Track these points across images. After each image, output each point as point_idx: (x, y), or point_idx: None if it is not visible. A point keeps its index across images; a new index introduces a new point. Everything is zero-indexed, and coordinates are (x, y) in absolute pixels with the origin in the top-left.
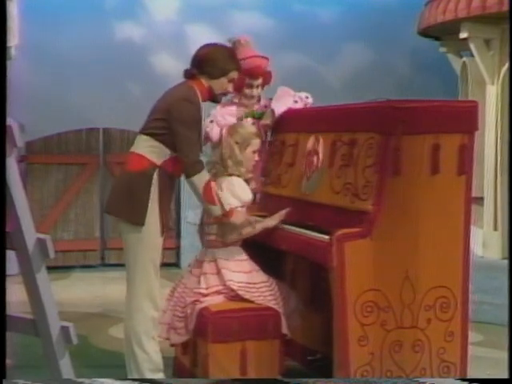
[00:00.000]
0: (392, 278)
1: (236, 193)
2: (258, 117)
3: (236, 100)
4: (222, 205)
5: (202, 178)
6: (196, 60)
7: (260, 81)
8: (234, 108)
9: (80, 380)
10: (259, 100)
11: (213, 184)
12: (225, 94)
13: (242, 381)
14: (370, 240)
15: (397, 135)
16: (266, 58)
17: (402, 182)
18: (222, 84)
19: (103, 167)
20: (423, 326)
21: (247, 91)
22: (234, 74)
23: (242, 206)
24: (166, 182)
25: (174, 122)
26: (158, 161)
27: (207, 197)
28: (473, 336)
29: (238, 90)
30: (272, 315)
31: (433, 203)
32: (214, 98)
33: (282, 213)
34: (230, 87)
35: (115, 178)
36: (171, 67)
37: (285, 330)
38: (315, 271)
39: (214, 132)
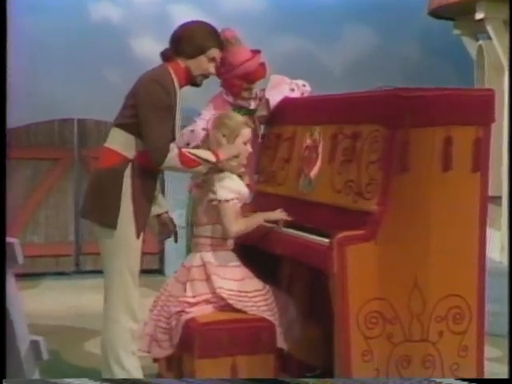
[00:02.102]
0: (399, 286)
1: (230, 187)
2: (252, 114)
3: (229, 99)
4: (204, 159)
5: (172, 156)
6: (173, 39)
7: (257, 81)
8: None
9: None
10: (256, 97)
11: (184, 150)
12: (205, 75)
13: (241, 381)
14: (375, 244)
15: (404, 128)
16: (259, 52)
17: (410, 179)
18: (200, 63)
19: (78, 163)
20: (434, 339)
21: (245, 94)
22: (215, 52)
23: (238, 198)
24: (143, 178)
25: (140, 105)
26: (130, 155)
27: (189, 165)
28: (489, 351)
29: (236, 95)
30: (266, 327)
31: (444, 203)
32: (193, 81)
33: (284, 214)
34: (212, 68)
35: (89, 177)
36: (154, 51)
37: (280, 343)
38: (314, 278)
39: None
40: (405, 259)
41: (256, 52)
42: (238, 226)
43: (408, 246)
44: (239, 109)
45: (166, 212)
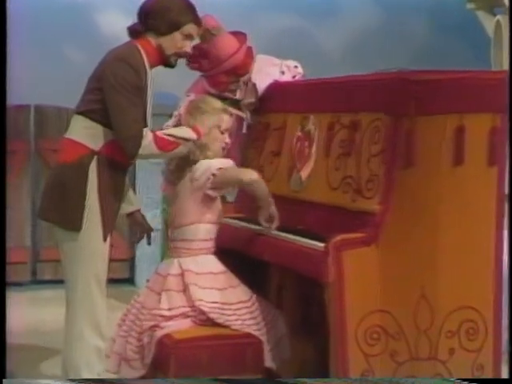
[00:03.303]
0: (404, 297)
1: (214, 162)
2: (237, 103)
3: (212, 90)
4: (183, 138)
5: (147, 142)
6: (142, 13)
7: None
8: None
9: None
10: (242, 85)
11: (159, 133)
12: (180, 55)
13: (239, 381)
14: (376, 248)
15: (410, 116)
16: (244, 36)
17: (417, 174)
18: (174, 41)
19: (35, 156)
20: (444, 357)
21: (233, 86)
22: (191, 28)
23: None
24: (110, 172)
25: (106, 88)
26: (96, 146)
27: (167, 148)
28: (508, 371)
29: (223, 91)
30: (252, 344)
31: (455, 201)
32: (166, 61)
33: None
34: (188, 46)
35: (48, 172)
36: (122, 28)
37: (268, 362)
38: (307, 288)
39: None
40: (410, 266)
41: (241, 37)
42: (250, 172)
43: (414, 251)
44: (223, 100)
45: (139, 210)
